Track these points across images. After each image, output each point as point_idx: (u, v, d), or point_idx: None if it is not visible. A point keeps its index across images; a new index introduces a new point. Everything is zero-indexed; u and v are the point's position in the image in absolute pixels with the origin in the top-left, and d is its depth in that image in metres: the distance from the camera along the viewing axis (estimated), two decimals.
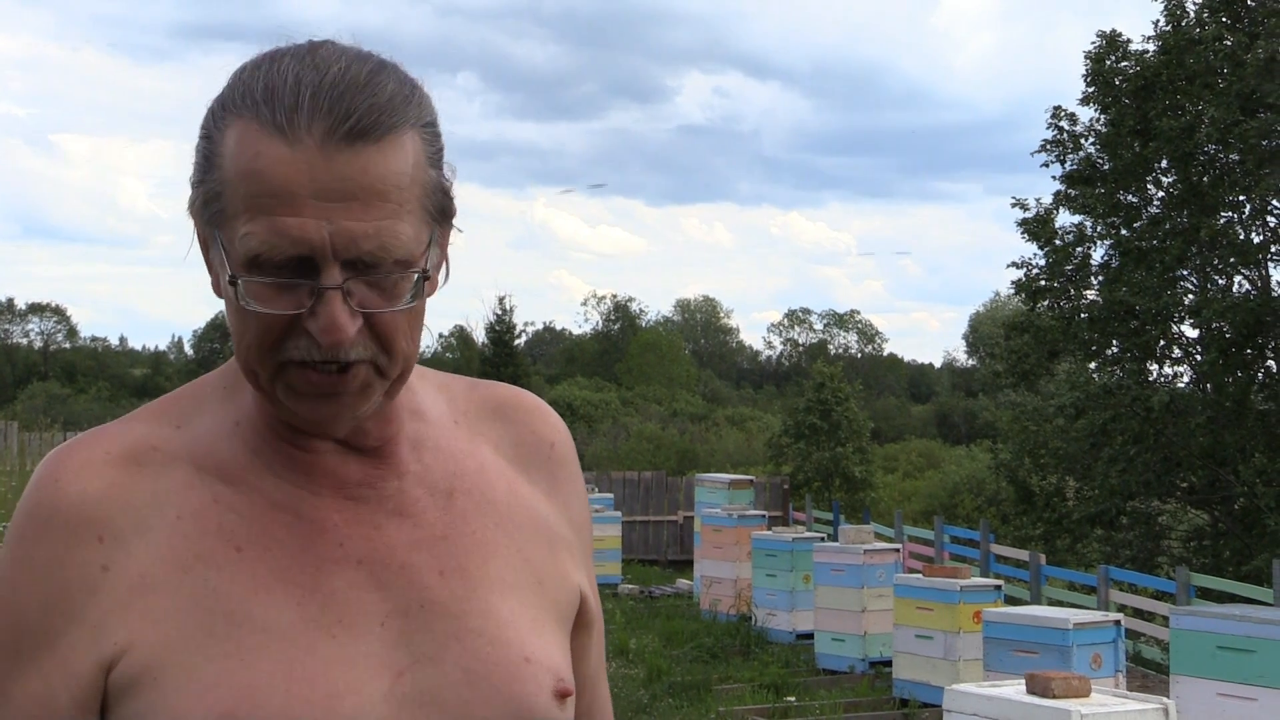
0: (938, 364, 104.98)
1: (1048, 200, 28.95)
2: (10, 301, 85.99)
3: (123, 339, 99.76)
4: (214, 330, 77.23)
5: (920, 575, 12.75)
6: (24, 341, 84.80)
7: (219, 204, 1.32)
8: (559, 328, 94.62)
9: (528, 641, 1.43)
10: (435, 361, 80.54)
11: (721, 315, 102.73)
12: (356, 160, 1.29)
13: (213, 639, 1.31)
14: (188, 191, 1.37)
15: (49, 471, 1.35)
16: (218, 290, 1.37)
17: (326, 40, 1.37)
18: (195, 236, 1.39)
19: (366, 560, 1.39)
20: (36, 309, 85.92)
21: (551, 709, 1.42)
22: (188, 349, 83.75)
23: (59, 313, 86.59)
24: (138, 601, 1.32)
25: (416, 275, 1.33)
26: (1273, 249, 26.99)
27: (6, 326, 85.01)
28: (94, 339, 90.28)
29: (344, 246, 1.29)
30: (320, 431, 1.39)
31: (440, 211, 1.37)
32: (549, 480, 1.56)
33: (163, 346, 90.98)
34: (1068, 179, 28.66)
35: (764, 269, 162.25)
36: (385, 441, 1.43)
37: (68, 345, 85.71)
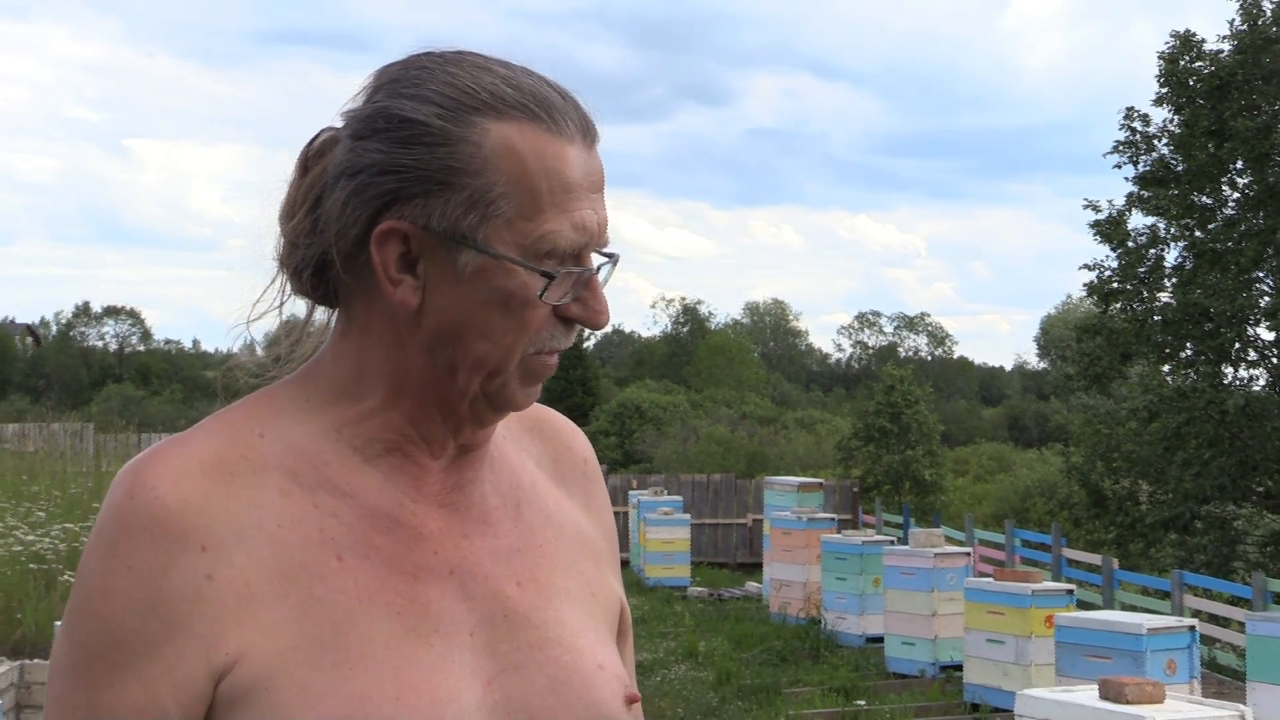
0: (1008, 367, 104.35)
1: (1120, 202, 28.74)
2: (86, 305, 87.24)
3: (196, 341, 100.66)
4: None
5: (991, 579, 12.66)
6: (99, 344, 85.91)
7: (493, 208, 1.35)
8: (628, 330, 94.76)
9: (597, 649, 1.47)
10: None
11: (790, 318, 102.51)
12: (596, 156, 1.41)
13: (321, 649, 1.32)
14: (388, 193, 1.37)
15: (144, 480, 1.34)
16: (404, 298, 1.37)
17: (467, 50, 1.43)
18: (403, 244, 1.37)
19: (457, 570, 1.42)
20: (112, 312, 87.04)
21: (624, 715, 1.45)
22: (259, 352, 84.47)
23: (133, 315, 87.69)
24: (245, 612, 1.31)
25: (618, 257, 1.44)
26: None
27: (83, 329, 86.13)
28: (168, 341, 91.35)
29: (603, 233, 1.41)
30: (489, 423, 1.45)
31: None
32: (585, 495, 1.61)
33: (235, 349, 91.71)
34: (1141, 180, 28.42)
35: (833, 271, 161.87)
36: (487, 440, 1.49)
37: (142, 348, 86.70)
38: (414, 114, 1.36)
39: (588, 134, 1.40)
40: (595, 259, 1.41)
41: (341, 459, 1.40)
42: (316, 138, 1.45)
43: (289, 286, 1.49)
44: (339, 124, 1.43)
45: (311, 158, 1.45)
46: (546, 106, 1.37)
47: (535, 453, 1.58)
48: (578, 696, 1.42)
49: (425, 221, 1.36)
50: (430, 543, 1.41)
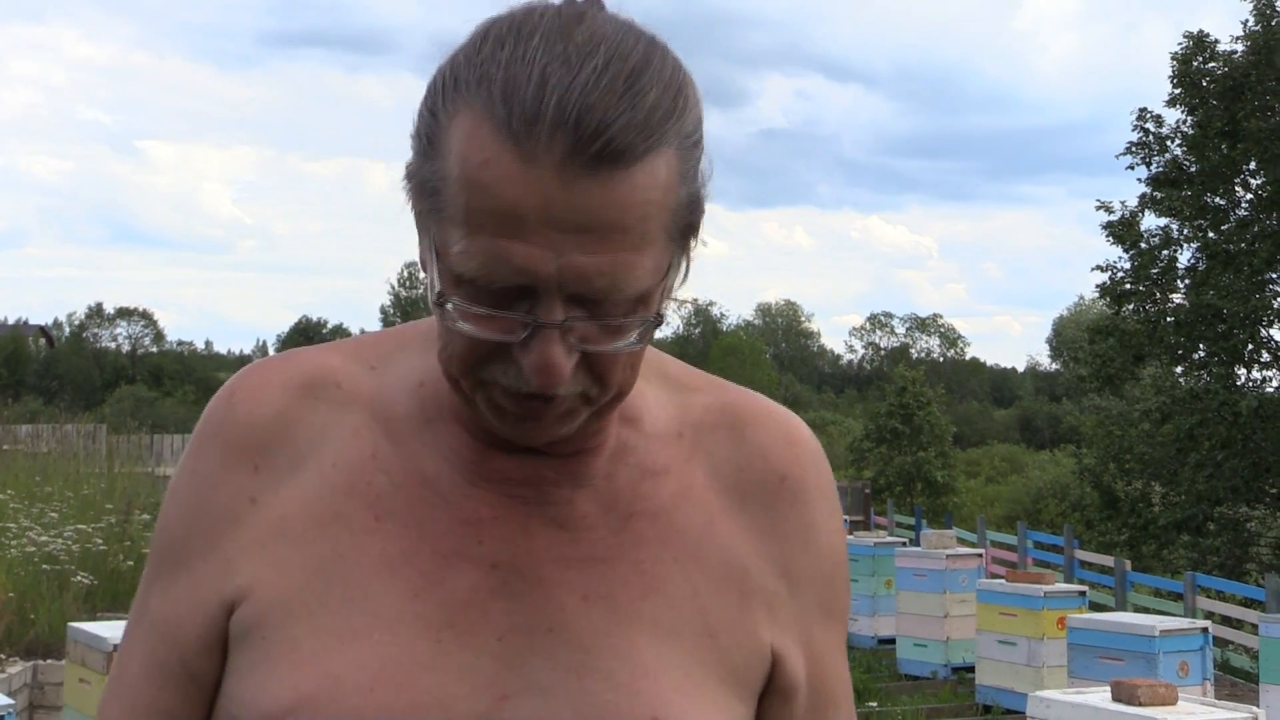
0: (1021, 368, 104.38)
1: (1133, 203, 28.70)
2: (99, 306, 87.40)
3: (208, 343, 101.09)
4: (298, 335, 77.90)
5: (1003, 581, 12.64)
6: (112, 345, 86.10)
7: (437, 200, 1.13)
8: None
9: (665, 697, 1.21)
10: None
11: (802, 319, 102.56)
12: (599, 188, 1.09)
13: (324, 609, 1.19)
14: (407, 151, 1.18)
15: (229, 388, 1.29)
16: (425, 265, 1.19)
17: (590, 5, 1.16)
18: (409, 200, 1.19)
19: (503, 564, 1.22)
20: (124, 313, 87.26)
21: None
22: (272, 352, 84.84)
23: (146, 317, 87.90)
24: (271, 546, 1.22)
25: (649, 320, 1.16)
26: None
27: (96, 331, 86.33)
28: (180, 343, 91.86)
29: (572, 281, 1.10)
30: (519, 438, 1.22)
31: (687, 228, 1.17)
32: (767, 519, 1.31)
33: (247, 350, 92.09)
34: (1153, 181, 28.39)
35: (844, 272, 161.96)
36: (583, 451, 1.26)
37: (155, 349, 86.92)
38: (438, 72, 1.16)
39: (578, 160, 1.08)
40: (560, 312, 1.12)
41: (413, 414, 1.27)
42: None
43: None
44: None
45: None
46: (514, 107, 1.09)
47: (719, 456, 1.31)
48: None
49: (408, 188, 1.18)
50: (477, 530, 1.22)
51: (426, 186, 1.14)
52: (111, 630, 7.45)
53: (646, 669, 1.21)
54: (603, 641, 1.21)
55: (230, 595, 1.22)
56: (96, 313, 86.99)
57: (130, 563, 12.34)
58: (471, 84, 1.11)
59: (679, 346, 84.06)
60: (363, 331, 1.35)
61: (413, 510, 1.23)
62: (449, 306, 1.13)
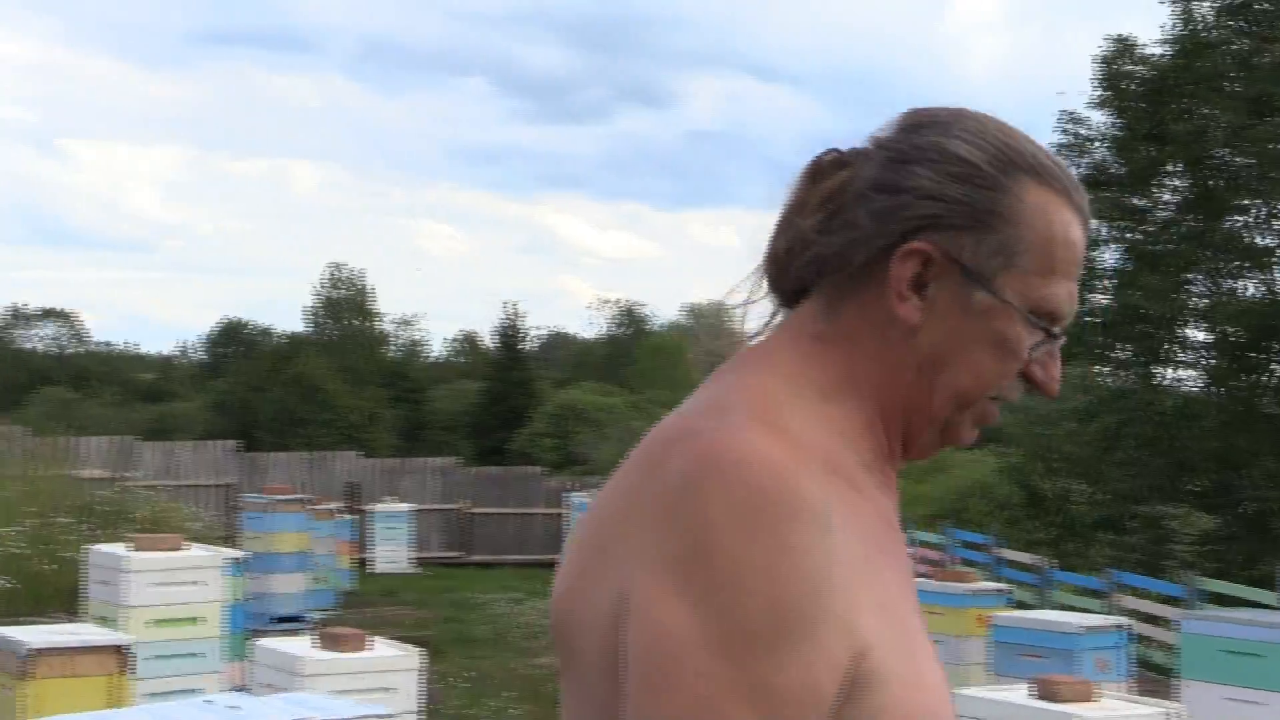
0: None
1: None
2: (20, 306, 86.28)
3: (132, 344, 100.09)
4: (225, 335, 77.27)
5: (929, 580, 12.73)
6: (32, 347, 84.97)
7: (1012, 256, 1.50)
8: (568, 332, 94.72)
9: None
10: (444, 366, 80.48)
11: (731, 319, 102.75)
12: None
13: (902, 643, 1.40)
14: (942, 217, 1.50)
15: (760, 463, 1.37)
16: (909, 314, 1.49)
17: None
18: (917, 261, 1.49)
19: (906, 566, 1.53)
20: (46, 314, 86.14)
21: None
22: (199, 353, 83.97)
23: (68, 317, 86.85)
24: (860, 597, 1.36)
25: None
26: None
27: (16, 331, 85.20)
28: (102, 343, 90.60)
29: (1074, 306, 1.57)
30: (929, 454, 1.58)
31: None
32: None
33: (169, 351, 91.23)
34: None
35: None
36: None
37: (76, 350, 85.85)
38: (969, 155, 1.51)
39: (1090, 217, 1.57)
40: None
41: (850, 460, 1.47)
42: (827, 153, 1.58)
43: (765, 279, 1.59)
44: (856, 147, 1.58)
45: (825, 168, 1.57)
46: (1075, 186, 1.54)
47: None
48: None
49: (955, 252, 1.49)
50: (901, 543, 1.52)
51: (1005, 249, 1.50)
52: (30, 635, 7.35)
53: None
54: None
55: (855, 649, 1.35)
56: (17, 313, 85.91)
57: (53, 566, 12.21)
58: (1033, 167, 1.52)
59: (609, 346, 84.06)
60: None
61: (883, 541, 1.47)
62: (1052, 338, 1.54)
